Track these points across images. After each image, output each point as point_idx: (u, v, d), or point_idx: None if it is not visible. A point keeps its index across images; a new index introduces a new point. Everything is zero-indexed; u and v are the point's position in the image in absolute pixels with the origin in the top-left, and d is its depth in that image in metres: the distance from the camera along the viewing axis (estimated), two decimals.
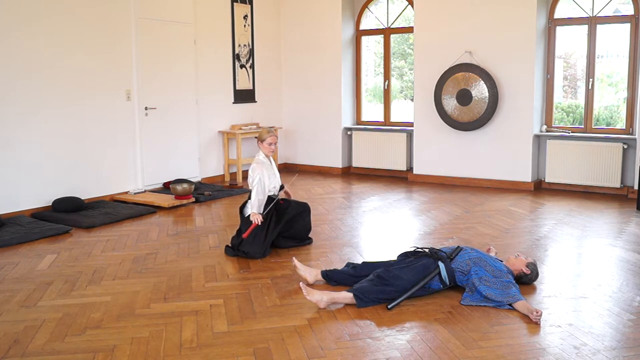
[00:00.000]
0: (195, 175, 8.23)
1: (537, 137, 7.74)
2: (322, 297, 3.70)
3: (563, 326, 3.43)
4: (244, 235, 4.81)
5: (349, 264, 4.27)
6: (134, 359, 3.08)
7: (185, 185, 6.93)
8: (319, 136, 9.41)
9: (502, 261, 4.11)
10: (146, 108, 7.47)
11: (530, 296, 3.91)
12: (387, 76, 9.09)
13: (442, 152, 8.26)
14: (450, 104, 7.98)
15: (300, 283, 3.83)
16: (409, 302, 3.78)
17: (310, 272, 4.16)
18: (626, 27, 7.25)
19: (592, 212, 6.41)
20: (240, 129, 8.66)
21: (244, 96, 9.02)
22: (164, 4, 7.63)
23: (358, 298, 3.71)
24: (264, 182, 4.90)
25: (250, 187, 4.94)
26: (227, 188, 7.92)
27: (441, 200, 7.14)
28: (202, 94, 8.31)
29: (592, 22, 7.41)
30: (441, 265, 3.91)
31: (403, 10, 8.90)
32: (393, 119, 9.12)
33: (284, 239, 5.08)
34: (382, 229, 5.87)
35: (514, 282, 3.89)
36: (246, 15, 8.91)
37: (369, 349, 3.18)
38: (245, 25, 8.90)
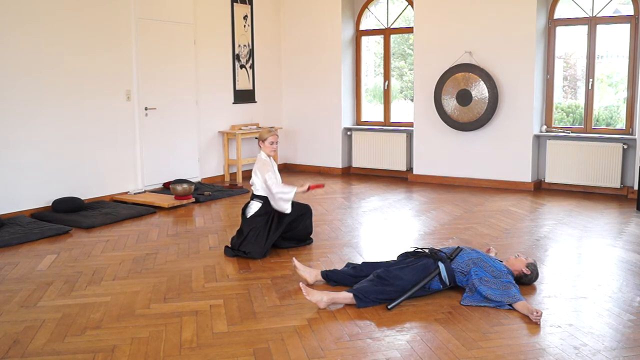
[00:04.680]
0: (195, 176, 8.23)
1: (537, 138, 7.74)
2: (322, 297, 3.70)
3: (563, 326, 3.43)
4: (312, 187, 4.94)
5: (349, 264, 4.28)
6: (134, 359, 3.08)
7: (185, 186, 6.93)
8: (319, 136, 9.40)
9: (502, 261, 4.11)
10: (146, 108, 7.46)
11: (530, 296, 3.91)
12: (387, 76, 9.09)
13: (442, 152, 8.26)
14: (450, 104, 7.98)
15: (300, 283, 3.83)
16: (409, 303, 3.78)
17: (310, 273, 4.16)
18: (626, 28, 7.25)
19: (592, 212, 6.41)
20: (240, 129, 8.66)
21: (244, 96, 9.02)
22: (164, 4, 7.63)
23: (358, 298, 3.71)
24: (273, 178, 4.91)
25: (257, 187, 4.93)
26: (227, 188, 7.92)
27: (441, 200, 7.14)
28: (202, 94, 8.30)
29: (592, 22, 7.41)
30: (441, 265, 3.91)
31: (403, 11, 8.90)
32: (393, 119, 9.12)
33: (284, 240, 5.08)
34: (382, 229, 5.87)
35: (514, 282, 3.89)
36: (246, 16, 8.91)
37: (369, 349, 3.18)
38: (245, 26, 8.90)
